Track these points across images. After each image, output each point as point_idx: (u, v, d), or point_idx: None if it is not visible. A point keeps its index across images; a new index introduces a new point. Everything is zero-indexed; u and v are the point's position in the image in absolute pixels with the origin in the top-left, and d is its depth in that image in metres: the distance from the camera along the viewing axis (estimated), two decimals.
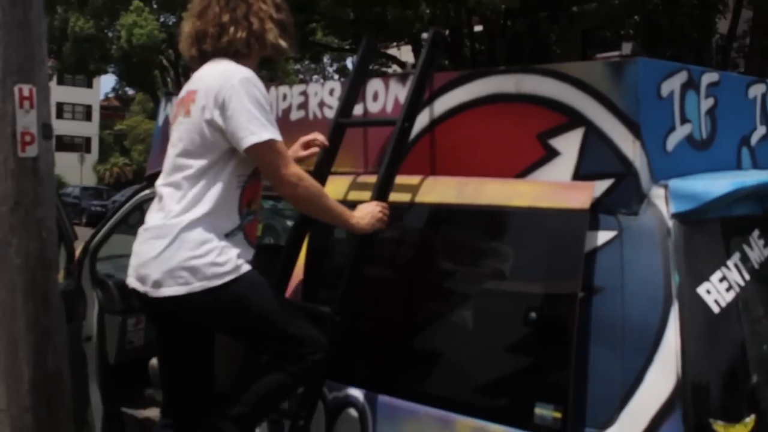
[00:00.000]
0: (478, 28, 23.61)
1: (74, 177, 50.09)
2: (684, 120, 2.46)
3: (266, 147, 2.53)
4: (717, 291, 2.24)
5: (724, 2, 19.47)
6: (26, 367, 3.25)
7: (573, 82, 2.41)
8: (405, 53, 27.10)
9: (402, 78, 2.87)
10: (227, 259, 2.57)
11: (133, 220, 4.80)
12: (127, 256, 5.68)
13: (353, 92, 2.97)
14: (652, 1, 19.09)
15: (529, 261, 2.45)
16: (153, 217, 2.69)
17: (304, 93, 3.22)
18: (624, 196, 2.30)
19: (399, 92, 2.87)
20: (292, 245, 2.89)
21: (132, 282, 2.70)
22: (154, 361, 4.71)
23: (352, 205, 2.75)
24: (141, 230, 2.72)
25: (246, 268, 2.60)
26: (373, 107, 2.97)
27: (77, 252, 4.66)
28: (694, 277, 2.22)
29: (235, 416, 2.63)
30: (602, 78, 2.35)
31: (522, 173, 2.53)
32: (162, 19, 26.43)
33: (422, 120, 2.77)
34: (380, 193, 2.62)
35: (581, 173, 2.40)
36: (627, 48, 2.33)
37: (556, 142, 2.45)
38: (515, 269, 2.52)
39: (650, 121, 2.33)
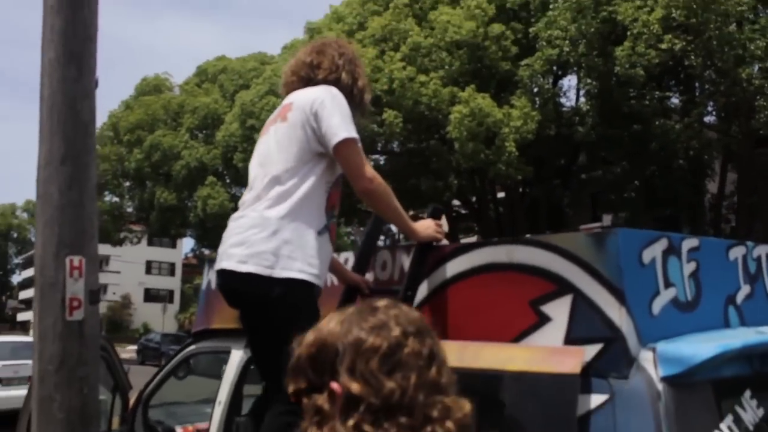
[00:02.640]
0: (501, 194, 23.82)
1: (158, 324, 50.40)
2: (668, 284, 2.25)
3: (350, 144, 2.53)
4: None
5: (712, 167, 19.46)
6: None
7: (560, 252, 2.24)
8: None
9: (407, 249, 2.72)
10: (314, 263, 2.49)
11: (182, 372, 4.65)
12: (177, 403, 5.54)
13: (364, 263, 2.83)
14: (650, 168, 19.13)
15: (523, 424, 2.19)
16: (247, 210, 2.60)
17: None
18: (613, 360, 2.07)
19: (404, 262, 2.71)
20: None
21: (218, 265, 2.62)
22: None
23: None
24: (234, 219, 2.63)
25: (319, 286, 2.53)
26: (382, 275, 2.81)
27: (131, 400, 4.49)
28: None
29: None
30: (586, 248, 2.17)
31: (517, 338, 2.31)
32: (232, 191, 27.14)
33: (425, 288, 2.60)
34: None
35: (571, 338, 2.18)
36: (607, 220, 2.17)
37: (547, 309, 2.25)
38: None
39: (634, 286, 2.12)
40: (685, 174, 19.05)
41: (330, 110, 2.54)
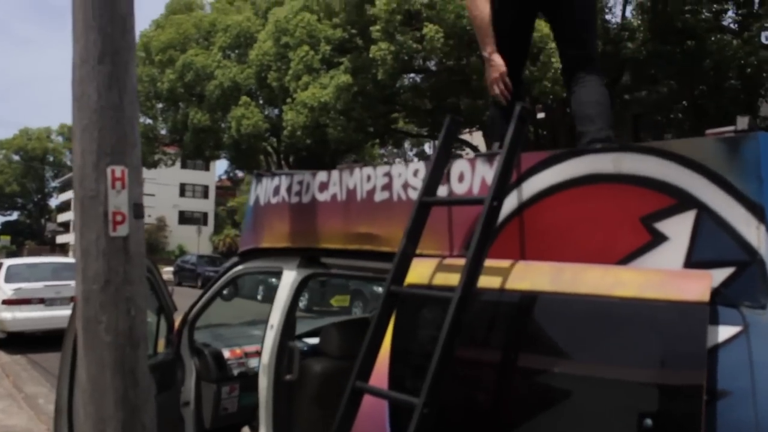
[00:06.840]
0: (540, 115, 23.15)
1: (193, 246, 51.02)
2: None
3: None
4: None
5: (766, 87, 18.59)
6: None
7: (680, 161, 1.90)
8: (476, 138, 26.79)
9: (489, 158, 2.40)
10: None
11: (229, 293, 4.46)
12: (223, 325, 5.38)
13: (438, 171, 2.48)
14: (699, 87, 18.32)
15: (637, 360, 1.90)
16: None
17: (388, 174, 2.78)
18: (748, 286, 1.76)
19: (486, 173, 2.39)
20: (380, 321, 2.37)
21: None
22: (246, 430, 4.30)
23: (439, 289, 2.28)
24: None
25: None
26: (459, 188, 2.49)
27: (176, 322, 4.33)
28: None
29: None
30: (715, 155, 1.84)
31: (624, 260, 2.00)
32: (266, 112, 26.73)
33: (511, 202, 2.28)
34: (469, 276, 2.11)
35: (694, 260, 1.87)
36: (743, 122, 1.82)
37: (663, 226, 1.93)
38: (621, 369, 1.94)
39: None
40: (736, 94, 18.20)
41: None
